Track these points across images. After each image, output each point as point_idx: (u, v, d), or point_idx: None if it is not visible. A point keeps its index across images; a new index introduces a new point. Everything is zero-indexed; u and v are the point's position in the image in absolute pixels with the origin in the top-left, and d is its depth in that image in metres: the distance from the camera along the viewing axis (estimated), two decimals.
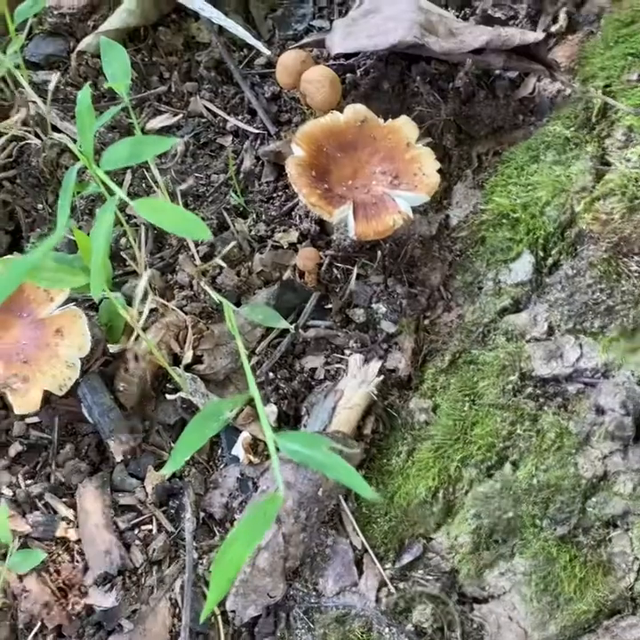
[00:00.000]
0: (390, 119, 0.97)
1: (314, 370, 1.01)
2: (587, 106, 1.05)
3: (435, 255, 1.02)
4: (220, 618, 0.90)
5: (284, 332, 1.01)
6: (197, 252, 1.02)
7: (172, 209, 0.82)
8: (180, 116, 1.07)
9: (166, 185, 1.01)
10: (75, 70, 1.07)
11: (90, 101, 0.88)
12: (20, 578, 0.87)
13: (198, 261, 1.01)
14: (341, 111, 0.96)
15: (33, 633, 0.86)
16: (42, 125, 1.02)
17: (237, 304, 1.02)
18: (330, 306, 1.02)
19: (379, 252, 0.98)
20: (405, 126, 0.96)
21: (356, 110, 0.96)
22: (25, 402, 0.87)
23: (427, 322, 1.03)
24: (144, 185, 1.03)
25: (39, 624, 0.86)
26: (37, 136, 1.01)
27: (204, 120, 1.08)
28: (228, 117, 1.07)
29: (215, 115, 1.08)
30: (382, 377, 0.97)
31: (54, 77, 1.03)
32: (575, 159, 1.01)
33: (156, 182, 0.94)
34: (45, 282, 0.82)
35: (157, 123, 1.07)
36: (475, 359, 0.97)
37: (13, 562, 0.83)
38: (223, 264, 1.00)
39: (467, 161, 1.08)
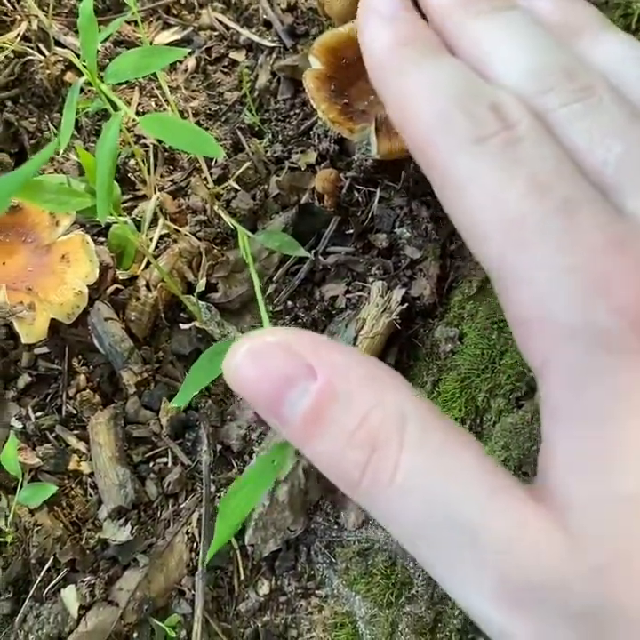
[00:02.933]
0: None
1: (334, 298, 0.96)
2: (626, 12, 0.98)
3: None
4: (238, 552, 0.88)
5: (303, 258, 0.96)
6: (211, 174, 0.96)
7: (181, 125, 0.77)
8: (191, 29, 1.01)
9: (177, 103, 0.96)
10: None
11: (92, 11, 0.83)
12: (32, 512, 0.84)
13: (211, 184, 0.96)
14: None
15: (45, 567, 0.83)
16: (45, 41, 0.96)
17: (253, 229, 0.97)
18: (351, 231, 0.96)
19: (403, 173, 0.92)
20: None
21: None
22: (32, 331, 0.83)
23: (453, 247, 0.97)
24: (153, 103, 0.98)
25: (52, 559, 0.84)
26: (40, 52, 0.96)
27: (215, 33, 1.01)
28: (241, 30, 1.01)
29: (228, 28, 1.01)
30: (406, 305, 0.92)
31: None
32: None
33: (166, 100, 0.88)
34: (48, 204, 0.77)
35: (166, 37, 1.01)
36: None
37: (24, 495, 0.81)
38: (238, 187, 0.95)
39: None
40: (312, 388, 0.38)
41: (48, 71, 0.93)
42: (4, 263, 0.85)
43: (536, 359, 0.39)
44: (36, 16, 0.94)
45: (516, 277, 0.41)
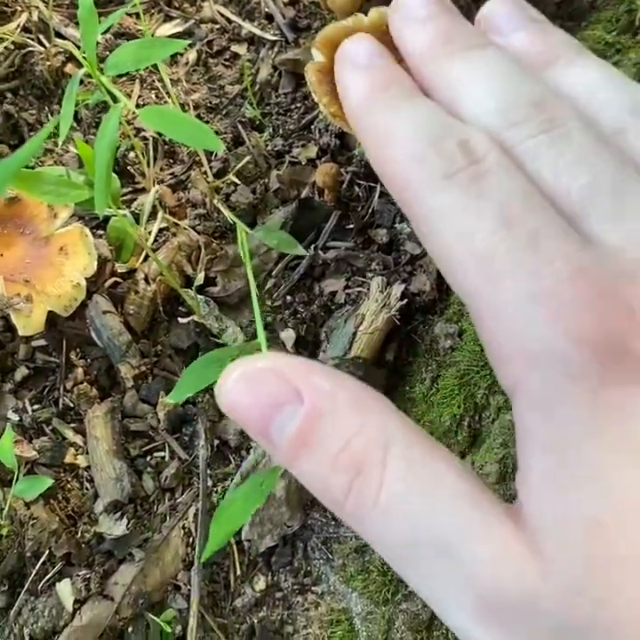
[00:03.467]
0: None
1: (334, 293, 0.96)
2: (630, 8, 0.97)
3: None
4: (235, 547, 0.87)
5: None
6: (211, 168, 0.96)
7: (181, 118, 0.77)
8: (192, 21, 1.00)
9: (177, 96, 0.96)
10: None
11: (92, 2, 0.83)
12: (28, 505, 0.84)
13: (211, 178, 0.95)
14: (365, 14, 0.89)
15: (41, 561, 0.83)
16: (45, 32, 0.96)
17: (253, 223, 0.96)
18: (351, 226, 0.96)
19: None
20: None
21: (380, 13, 0.87)
22: (29, 323, 0.82)
23: None
24: (154, 96, 0.97)
25: (47, 552, 0.83)
26: (41, 43, 0.95)
27: (217, 26, 1.01)
28: (242, 23, 1.00)
29: (229, 20, 1.01)
30: (406, 301, 0.91)
31: None
32: (617, 65, 0.94)
33: (167, 92, 0.88)
34: (46, 195, 0.77)
35: (167, 29, 1.00)
36: None
37: (20, 488, 0.80)
38: (237, 181, 0.94)
39: None
40: (299, 412, 0.39)
41: (48, 63, 0.93)
42: (1, 255, 0.85)
43: (508, 383, 0.40)
44: (37, 7, 0.93)
45: (488, 309, 0.42)
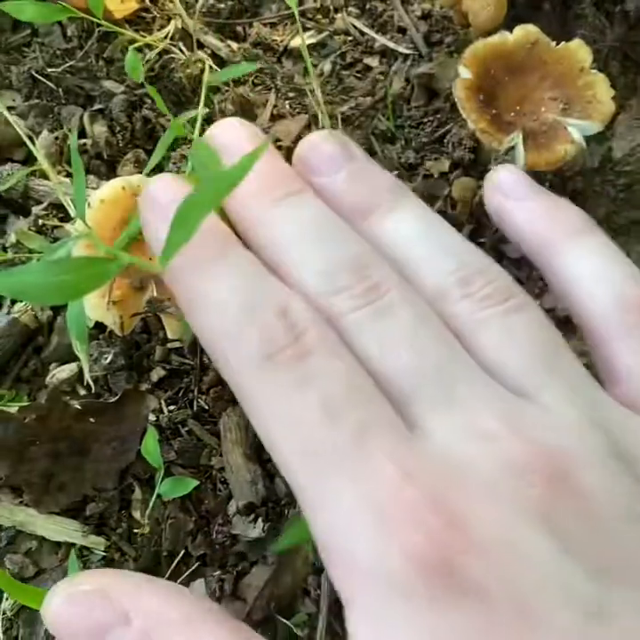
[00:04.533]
0: (563, 43, 0.90)
1: None
2: None
3: (597, 189, 0.96)
4: None
5: None
6: None
7: None
8: (326, 33, 1.02)
9: (311, 107, 0.97)
10: None
11: None
12: (165, 504, 0.86)
13: None
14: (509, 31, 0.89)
15: (176, 560, 0.85)
16: (185, 40, 0.98)
17: None
18: (483, 240, 0.97)
19: (546, 185, 0.92)
20: (579, 50, 0.89)
21: (526, 31, 0.89)
22: (178, 327, 0.84)
23: None
24: (288, 105, 0.99)
25: (183, 552, 0.85)
26: (181, 51, 0.97)
27: (350, 38, 1.02)
28: (375, 36, 1.01)
29: (362, 33, 1.02)
30: None
31: None
32: None
33: (318, 103, 0.89)
34: None
35: (301, 40, 1.01)
36: None
37: (165, 489, 0.82)
38: None
39: (632, 90, 1.02)
40: (127, 636, 0.38)
41: (188, 70, 0.94)
42: (151, 258, 0.86)
43: (342, 592, 0.39)
44: (179, 15, 0.95)
45: (317, 508, 0.40)
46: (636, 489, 0.42)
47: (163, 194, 0.49)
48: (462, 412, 0.42)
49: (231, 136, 0.53)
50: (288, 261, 0.47)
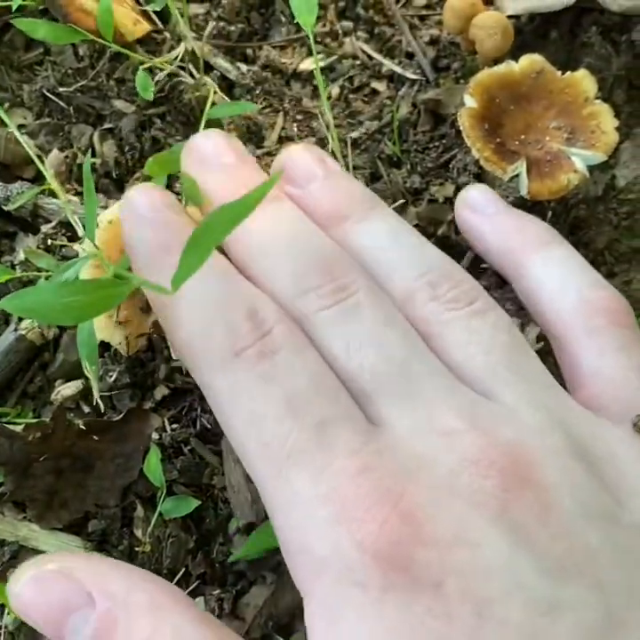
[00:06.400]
0: (568, 72, 0.91)
1: None
2: None
3: (600, 217, 0.97)
4: None
5: None
6: None
7: None
8: (334, 57, 1.03)
9: (318, 130, 0.98)
10: (229, 4, 1.03)
11: None
12: (165, 523, 0.86)
13: None
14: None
15: (176, 578, 0.85)
16: (194, 62, 0.99)
17: None
18: (486, 265, 0.97)
19: (549, 213, 0.93)
20: (585, 80, 0.90)
21: (532, 60, 0.91)
22: None
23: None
24: (296, 128, 1.00)
25: (183, 570, 0.86)
26: (191, 72, 0.98)
27: (358, 62, 1.03)
28: (383, 61, 1.02)
29: (370, 57, 1.03)
30: (542, 343, 0.93)
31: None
32: None
33: (327, 126, 0.90)
34: None
35: (310, 64, 1.03)
36: None
37: (167, 508, 0.83)
38: None
39: (636, 118, 1.03)
40: (92, 617, 0.39)
41: (198, 92, 0.95)
42: None
43: (301, 587, 0.40)
44: (187, 36, 0.96)
45: (276, 505, 0.42)
46: (595, 487, 0.43)
47: (141, 201, 0.52)
48: (424, 408, 0.43)
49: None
50: (261, 264, 0.49)
